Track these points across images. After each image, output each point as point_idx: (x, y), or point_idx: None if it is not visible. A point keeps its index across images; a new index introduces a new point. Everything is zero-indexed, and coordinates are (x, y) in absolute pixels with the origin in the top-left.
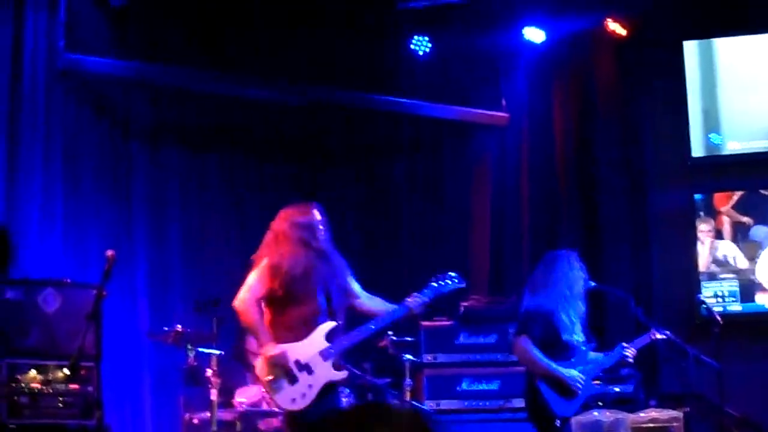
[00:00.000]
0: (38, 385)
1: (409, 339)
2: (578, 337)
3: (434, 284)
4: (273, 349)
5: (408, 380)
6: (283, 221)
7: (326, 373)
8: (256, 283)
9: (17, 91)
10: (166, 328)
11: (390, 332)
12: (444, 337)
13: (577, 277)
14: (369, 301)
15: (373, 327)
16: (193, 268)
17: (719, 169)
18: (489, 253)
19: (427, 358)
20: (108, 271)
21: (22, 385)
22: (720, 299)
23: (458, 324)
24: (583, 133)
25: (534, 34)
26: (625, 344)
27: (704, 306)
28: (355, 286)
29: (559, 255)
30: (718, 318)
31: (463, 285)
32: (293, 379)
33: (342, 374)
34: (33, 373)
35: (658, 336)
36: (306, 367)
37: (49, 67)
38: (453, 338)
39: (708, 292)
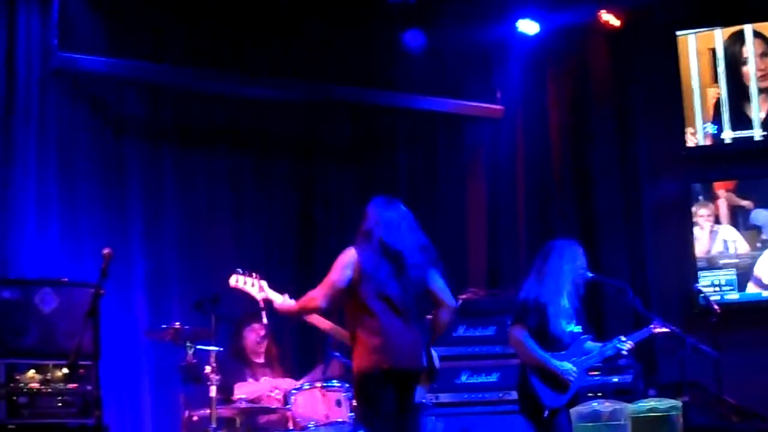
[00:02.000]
0: (37, 385)
1: None
2: (574, 328)
3: None
4: None
5: None
6: None
7: None
8: None
9: (11, 91)
10: (164, 326)
11: None
12: None
13: (575, 267)
14: None
15: None
16: (191, 265)
17: (714, 158)
18: (486, 246)
19: None
20: (105, 269)
21: (21, 384)
22: (717, 288)
23: (456, 316)
24: (578, 124)
25: (528, 26)
26: (623, 338)
27: (701, 295)
28: None
29: (556, 245)
30: (716, 307)
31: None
32: None
33: None
34: (31, 372)
35: (658, 330)
36: None
37: (42, 66)
38: (452, 331)
39: (705, 281)
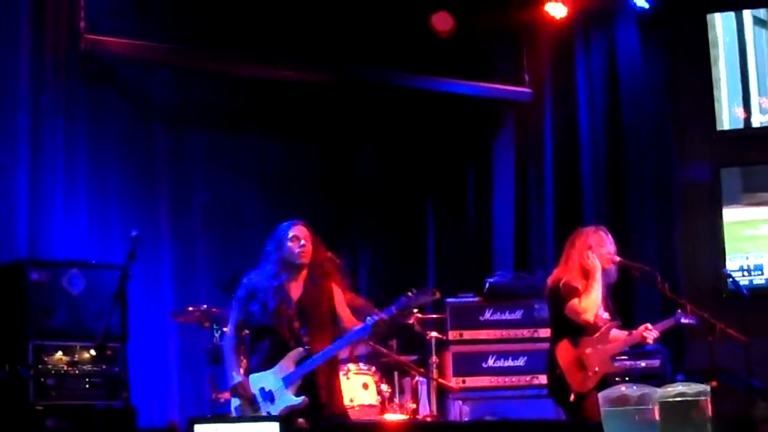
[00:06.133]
0: (65, 367)
1: (434, 316)
2: (602, 313)
3: (403, 298)
4: (235, 380)
5: (434, 357)
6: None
7: (286, 400)
8: (232, 313)
9: (39, 74)
10: (190, 308)
11: (415, 310)
12: (469, 313)
13: (600, 253)
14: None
15: (332, 349)
16: (217, 247)
17: (746, 142)
18: (513, 229)
19: (453, 335)
20: (133, 251)
21: (49, 366)
22: (746, 272)
23: (484, 300)
24: (607, 107)
25: (555, 9)
26: (648, 325)
27: (730, 279)
28: (344, 313)
29: (582, 232)
30: (745, 291)
31: (433, 298)
32: (256, 408)
33: (300, 401)
34: (59, 354)
35: (684, 321)
36: (270, 396)
37: (70, 49)
38: (478, 315)
39: (734, 265)
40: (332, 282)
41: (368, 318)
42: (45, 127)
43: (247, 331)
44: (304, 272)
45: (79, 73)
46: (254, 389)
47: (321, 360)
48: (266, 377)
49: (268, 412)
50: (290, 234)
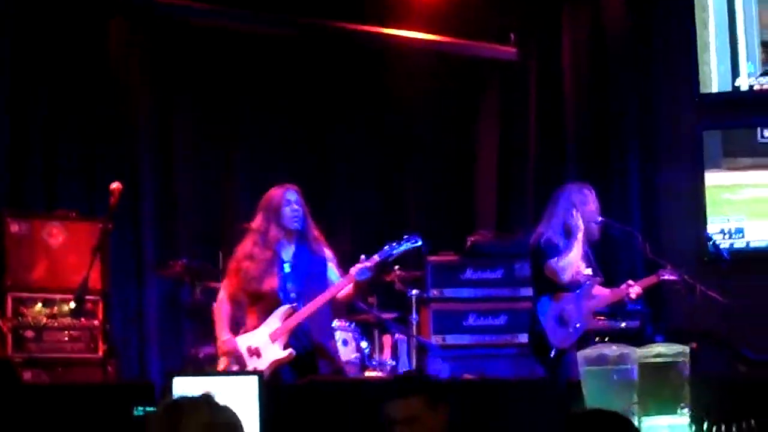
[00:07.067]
0: (44, 319)
1: (415, 273)
2: (584, 270)
3: (386, 247)
4: (222, 338)
5: (414, 315)
6: (258, 207)
7: (273, 354)
8: (226, 283)
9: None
10: (171, 263)
11: (396, 266)
12: (450, 271)
13: (583, 211)
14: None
15: (317, 301)
16: (200, 202)
17: (729, 105)
18: (495, 188)
19: (434, 292)
20: (114, 204)
21: (28, 318)
22: (726, 236)
23: (465, 259)
24: (593, 67)
25: None
26: (630, 282)
27: (711, 243)
28: (334, 277)
29: (566, 189)
30: (725, 255)
31: (419, 244)
32: (243, 366)
33: (287, 353)
34: (39, 306)
35: (667, 277)
36: (255, 352)
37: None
38: (459, 273)
39: (714, 228)
40: (324, 244)
41: (351, 268)
42: (27, 78)
43: (244, 298)
44: (296, 235)
45: (60, 27)
46: (242, 349)
47: (306, 313)
48: (253, 336)
49: (255, 368)
50: (283, 199)
